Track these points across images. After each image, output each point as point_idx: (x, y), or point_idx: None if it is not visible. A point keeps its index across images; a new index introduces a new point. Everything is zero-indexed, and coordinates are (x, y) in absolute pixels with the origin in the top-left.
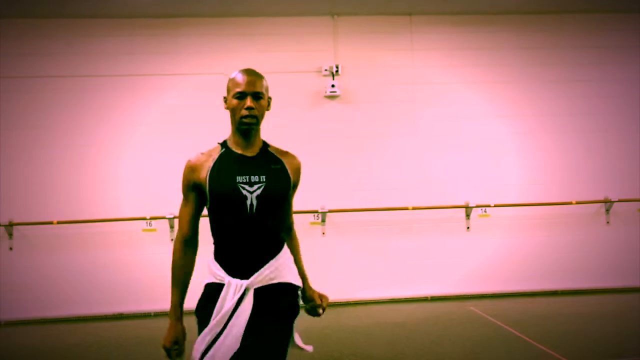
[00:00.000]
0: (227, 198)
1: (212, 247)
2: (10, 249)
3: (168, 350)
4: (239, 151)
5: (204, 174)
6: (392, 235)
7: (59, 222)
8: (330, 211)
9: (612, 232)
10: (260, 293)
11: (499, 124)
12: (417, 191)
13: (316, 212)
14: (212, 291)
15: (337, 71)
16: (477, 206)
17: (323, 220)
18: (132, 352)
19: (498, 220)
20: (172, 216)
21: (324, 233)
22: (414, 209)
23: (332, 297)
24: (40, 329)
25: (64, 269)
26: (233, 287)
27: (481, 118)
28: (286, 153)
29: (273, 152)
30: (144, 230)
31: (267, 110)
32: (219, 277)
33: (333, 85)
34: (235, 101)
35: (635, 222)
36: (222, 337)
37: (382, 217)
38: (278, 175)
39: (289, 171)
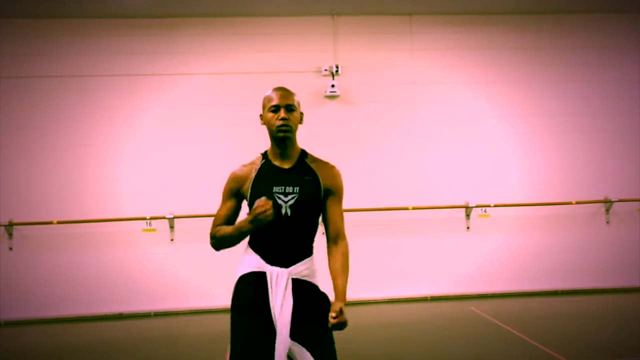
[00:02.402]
0: None
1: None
2: (10, 249)
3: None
4: (277, 163)
5: (247, 184)
6: (392, 235)
7: (58, 222)
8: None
9: (612, 232)
10: (296, 285)
11: (499, 124)
12: (417, 191)
13: None
14: (248, 281)
15: (337, 71)
16: (477, 206)
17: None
18: (132, 352)
19: (498, 220)
20: (171, 216)
21: (323, 233)
22: (414, 209)
23: (333, 296)
24: (40, 329)
25: (64, 269)
26: (275, 274)
27: (481, 118)
28: (323, 164)
29: (309, 162)
30: (144, 230)
31: (300, 123)
32: (259, 266)
33: (333, 85)
34: (270, 114)
35: (635, 222)
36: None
37: (382, 217)
38: (310, 186)
39: (322, 181)
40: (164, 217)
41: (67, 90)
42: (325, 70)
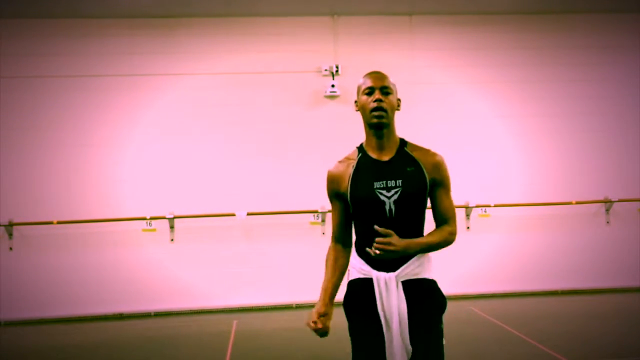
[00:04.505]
0: (367, 204)
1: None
2: (10, 249)
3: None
4: (375, 155)
5: (345, 183)
6: None
7: (59, 222)
8: (330, 211)
9: (612, 232)
10: (408, 287)
11: (499, 124)
12: None
13: (316, 212)
14: (357, 287)
15: (337, 71)
16: (477, 206)
17: (323, 220)
18: (132, 352)
19: (498, 220)
20: (172, 216)
21: (324, 233)
22: None
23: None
24: (40, 329)
25: (64, 269)
26: (382, 280)
27: (481, 118)
28: (425, 151)
29: (409, 151)
30: (144, 230)
31: (398, 109)
32: (364, 272)
33: (333, 85)
34: (364, 97)
35: (635, 222)
36: (390, 336)
37: None
38: (413, 177)
39: (425, 171)
40: (164, 217)
41: (67, 90)
42: (325, 70)
